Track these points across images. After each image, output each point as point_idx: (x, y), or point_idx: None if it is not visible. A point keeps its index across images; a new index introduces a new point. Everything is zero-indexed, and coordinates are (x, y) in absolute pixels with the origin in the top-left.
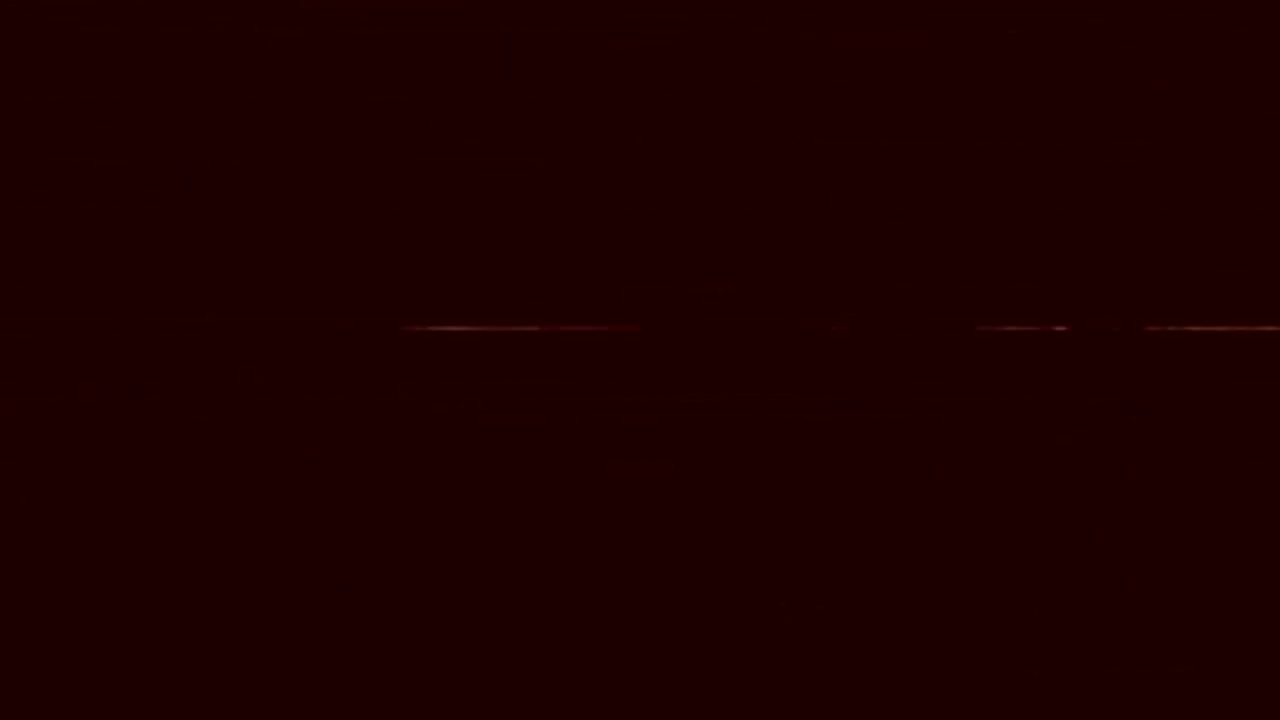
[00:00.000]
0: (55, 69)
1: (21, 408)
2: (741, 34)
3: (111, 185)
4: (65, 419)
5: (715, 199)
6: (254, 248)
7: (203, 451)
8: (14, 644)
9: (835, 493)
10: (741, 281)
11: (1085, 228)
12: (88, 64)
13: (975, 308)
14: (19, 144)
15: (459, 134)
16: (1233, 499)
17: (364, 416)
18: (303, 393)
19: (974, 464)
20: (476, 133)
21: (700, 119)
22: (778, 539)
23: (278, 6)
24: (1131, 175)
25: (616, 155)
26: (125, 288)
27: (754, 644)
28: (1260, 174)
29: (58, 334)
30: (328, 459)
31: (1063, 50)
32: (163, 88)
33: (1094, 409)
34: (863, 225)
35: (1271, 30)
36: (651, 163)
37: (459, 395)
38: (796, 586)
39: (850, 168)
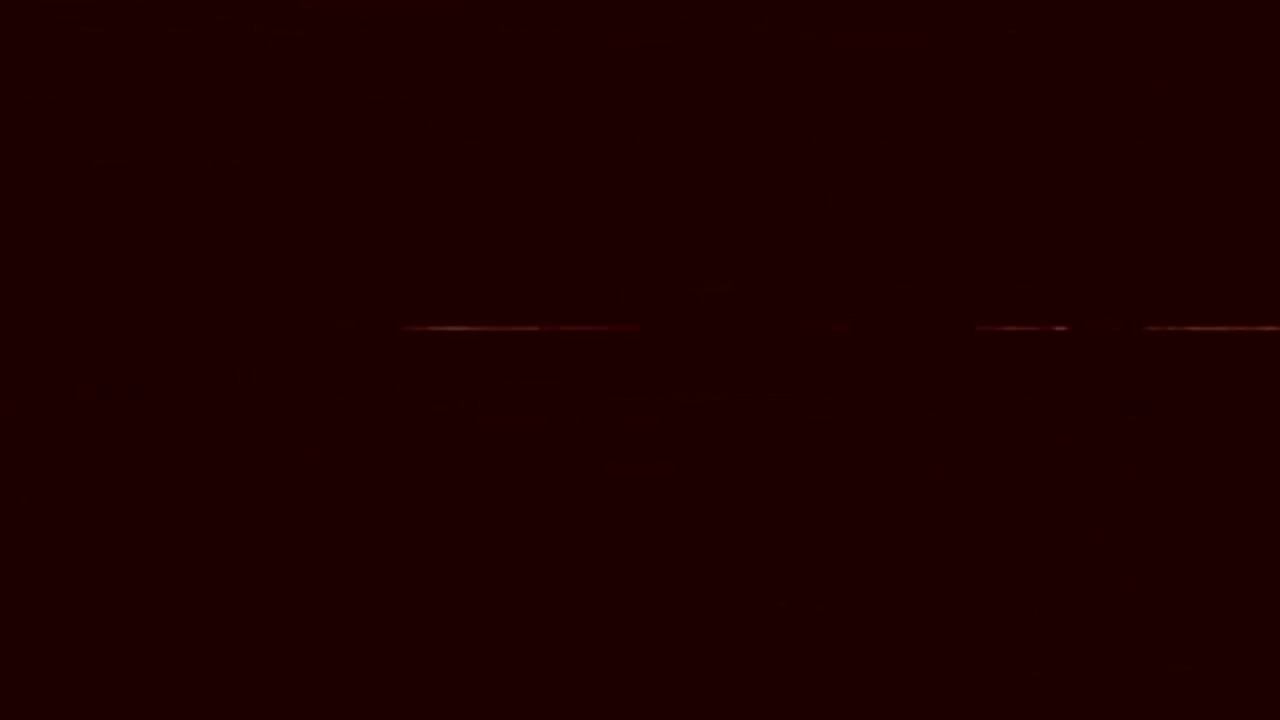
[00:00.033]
0: (55, 69)
1: (21, 408)
2: (741, 34)
3: (111, 185)
4: (65, 419)
5: (715, 199)
6: (254, 248)
7: (203, 451)
8: (14, 644)
9: (835, 493)
10: (741, 281)
11: (1085, 228)
12: (88, 64)
13: (975, 308)
14: (19, 144)
15: (459, 134)
16: (1233, 499)
17: (364, 416)
18: (303, 393)
19: (974, 464)
20: (476, 133)
21: (700, 119)
22: (778, 539)
23: (278, 6)
24: (1131, 175)
25: (616, 155)
26: (125, 288)
27: (754, 644)
28: (1260, 174)
29: (58, 334)
30: (328, 459)
31: (1063, 50)
32: (163, 88)
33: (1094, 409)
34: (862, 225)
35: (1272, 30)
36: (651, 163)
37: (459, 395)
38: (796, 586)
39: (850, 168)
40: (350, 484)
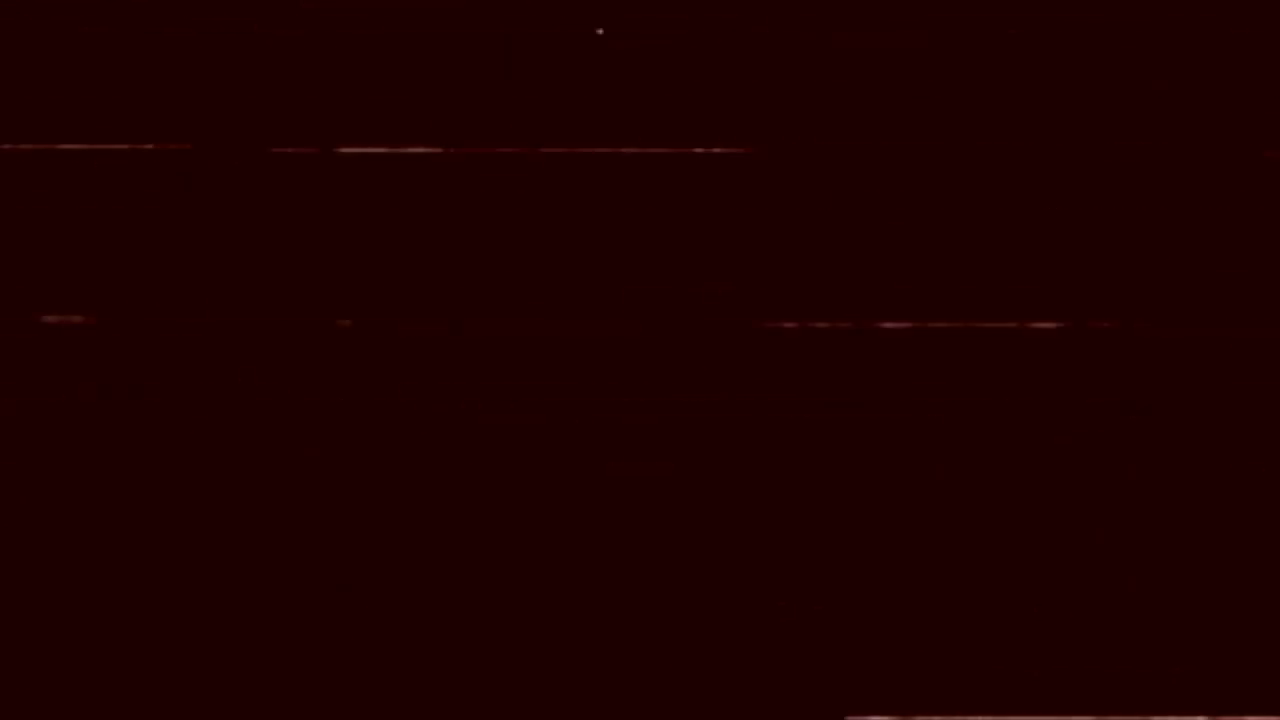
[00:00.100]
0: (55, 69)
1: (21, 408)
2: (741, 34)
3: (111, 185)
4: (65, 419)
5: (715, 199)
6: (254, 248)
7: (202, 451)
8: (14, 643)
9: (835, 493)
10: (742, 281)
11: (1085, 228)
12: (88, 64)
13: (975, 307)
14: (19, 144)
15: (459, 134)
16: (1232, 499)
17: (364, 416)
18: (303, 393)
19: (974, 464)
20: (476, 132)
21: (700, 119)
22: (778, 539)
23: (278, 6)
24: (1131, 175)
25: (616, 155)
26: (125, 288)
27: (754, 644)
28: (1260, 174)
29: (59, 334)
30: (328, 459)
31: (1063, 50)
32: (163, 88)
33: (1094, 409)
34: (863, 225)
35: (1272, 30)
36: (651, 162)
37: (459, 395)
38: (796, 586)
39: (850, 167)
40: (350, 484)
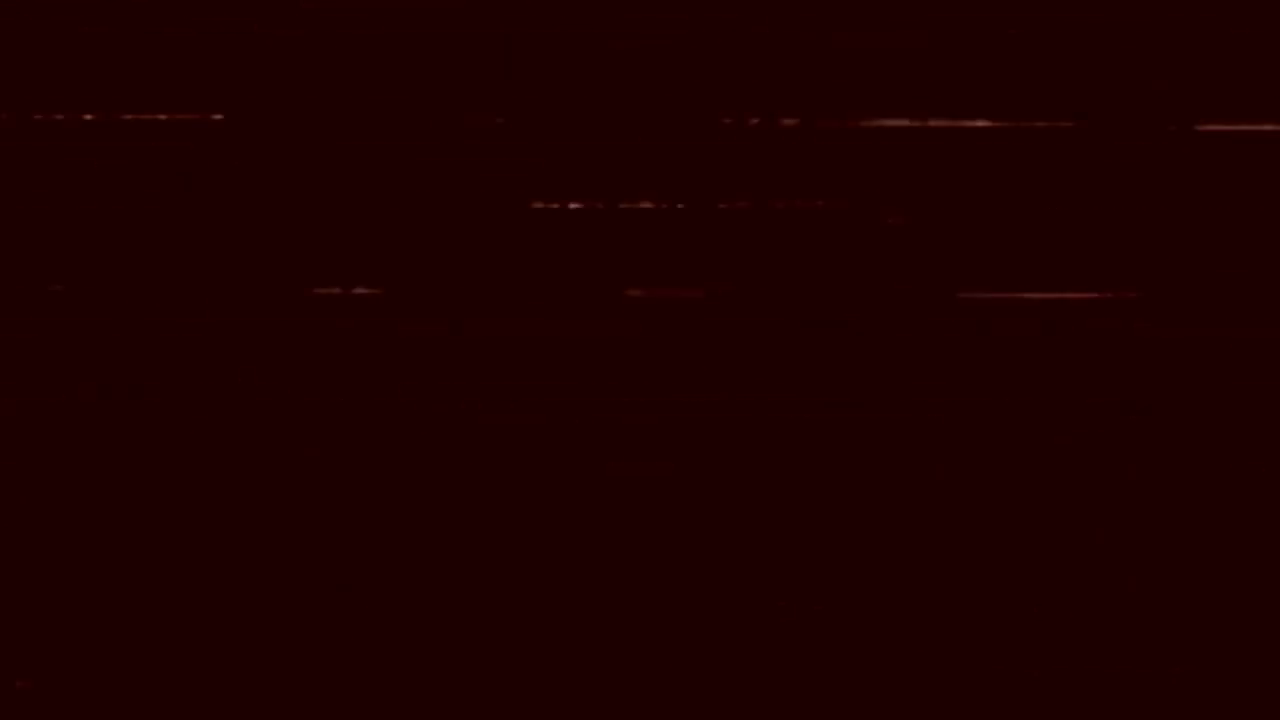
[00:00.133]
0: (55, 69)
1: (21, 408)
2: (741, 34)
3: (111, 185)
4: (65, 419)
5: (715, 199)
6: (254, 248)
7: (202, 451)
8: (15, 643)
9: (835, 493)
10: (742, 281)
11: (1084, 227)
12: (88, 64)
13: (976, 306)
14: (19, 143)
15: (459, 133)
16: (1232, 500)
17: (364, 416)
18: (303, 393)
19: (974, 464)
20: (476, 132)
21: (700, 119)
22: (778, 539)
23: (278, 6)
24: (1130, 175)
25: (616, 155)
26: (125, 288)
27: (754, 644)
28: (1260, 174)
29: (58, 334)
30: (328, 459)
31: (1063, 50)
32: (162, 88)
33: (1094, 409)
34: (862, 224)
35: (1272, 30)
36: (651, 162)
37: (459, 395)
38: (796, 586)
39: (849, 167)
40: (350, 484)
